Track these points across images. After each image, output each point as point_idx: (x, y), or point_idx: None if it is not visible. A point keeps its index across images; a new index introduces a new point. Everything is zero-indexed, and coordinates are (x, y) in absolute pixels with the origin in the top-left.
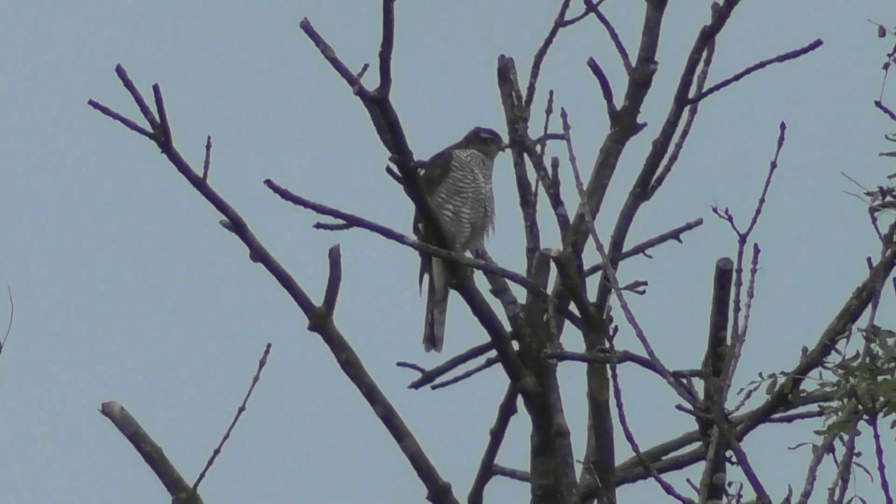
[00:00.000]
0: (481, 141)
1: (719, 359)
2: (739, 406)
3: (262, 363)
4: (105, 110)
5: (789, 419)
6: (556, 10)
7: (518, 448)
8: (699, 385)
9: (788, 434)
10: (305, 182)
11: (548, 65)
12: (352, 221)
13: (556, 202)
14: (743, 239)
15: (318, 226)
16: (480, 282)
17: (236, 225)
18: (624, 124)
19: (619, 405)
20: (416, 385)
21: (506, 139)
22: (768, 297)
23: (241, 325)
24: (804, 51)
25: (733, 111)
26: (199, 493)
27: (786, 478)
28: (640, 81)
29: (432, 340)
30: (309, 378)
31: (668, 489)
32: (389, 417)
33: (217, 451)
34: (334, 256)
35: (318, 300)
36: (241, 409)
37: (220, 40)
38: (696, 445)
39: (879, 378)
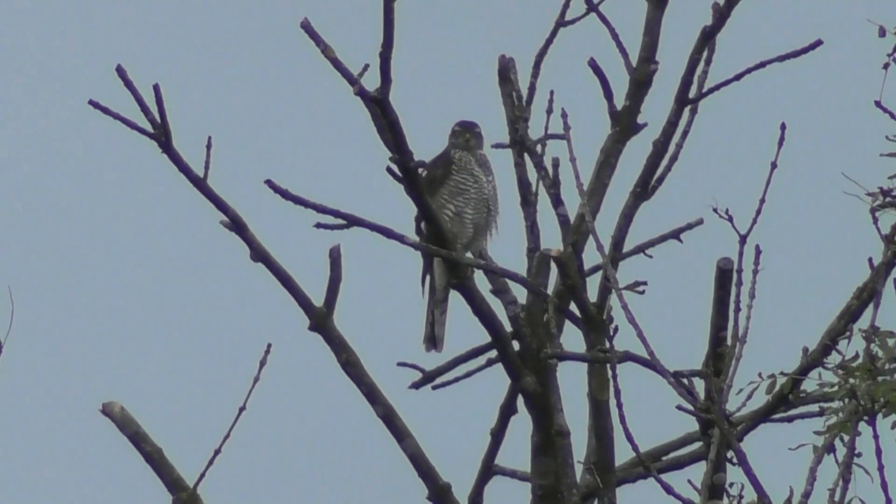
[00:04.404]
0: (455, 135)
1: (720, 359)
2: (740, 406)
3: (262, 363)
4: (105, 110)
5: (790, 419)
6: (557, 10)
7: (518, 448)
8: (700, 385)
9: (789, 434)
10: (305, 182)
11: (548, 65)
12: (352, 221)
13: (557, 202)
14: (743, 239)
15: (318, 226)
16: (480, 282)
17: (237, 225)
18: (624, 124)
19: (619, 405)
20: (416, 385)
21: (502, 137)
22: (769, 298)
23: (241, 325)
24: (804, 51)
25: (733, 111)
26: (199, 493)
27: (786, 478)
28: (641, 81)
29: (433, 340)
30: (309, 378)
31: (669, 490)
32: (389, 417)
33: (217, 451)
34: (334, 256)
35: (318, 300)
36: (242, 409)
37: (221, 40)
38: (696, 446)
39: (879, 379)
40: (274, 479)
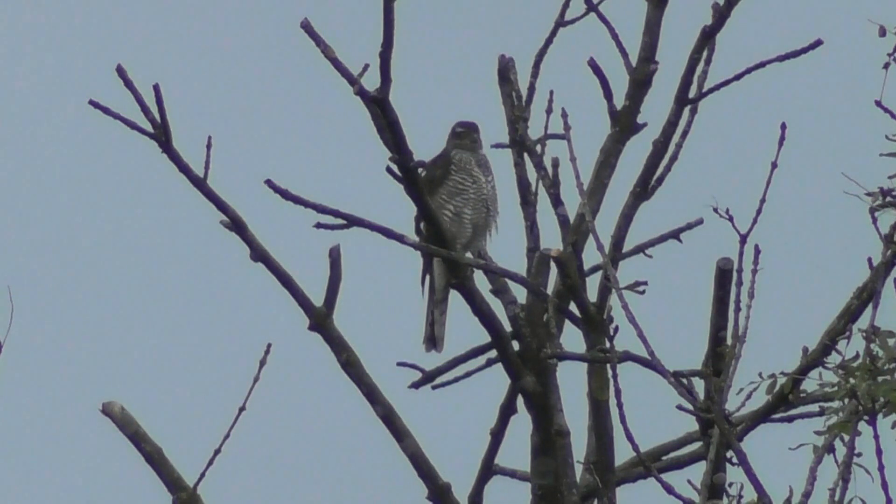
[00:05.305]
0: (456, 136)
1: (720, 359)
2: (740, 406)
3: (262, 363)
4: (105, 110)
5: (790, 419)
6: (556, 10)
7: (518, 448)
8: (699, 385)
9: (789, 434)
10: (305, 182)
11: (548, 65)
12: (352, 221)
13: (557, 202)
14: (743, 239)
15: (318, 226)
16: (480, 282)
17: (236, 225)
18: (624, 124)
19: (620, 405)
20: (416, 385)
21: (502, 137)
22: (769, 298)
23: (241, 325)
24: (804, 51)
25: (733, 111)
26: (199, 493)
27: (786, 478)
28: (641, 81)
29: (433, 340)
30: (309, 378)
31: (669, 489)
32: (389, 417)
33: (217, 451)
34: (334, 256)
35: (318, 300)
36: (242, 409)
37: (221, 40)
38: (696, 445)
39: (879, 378)
40: (274, 479)
